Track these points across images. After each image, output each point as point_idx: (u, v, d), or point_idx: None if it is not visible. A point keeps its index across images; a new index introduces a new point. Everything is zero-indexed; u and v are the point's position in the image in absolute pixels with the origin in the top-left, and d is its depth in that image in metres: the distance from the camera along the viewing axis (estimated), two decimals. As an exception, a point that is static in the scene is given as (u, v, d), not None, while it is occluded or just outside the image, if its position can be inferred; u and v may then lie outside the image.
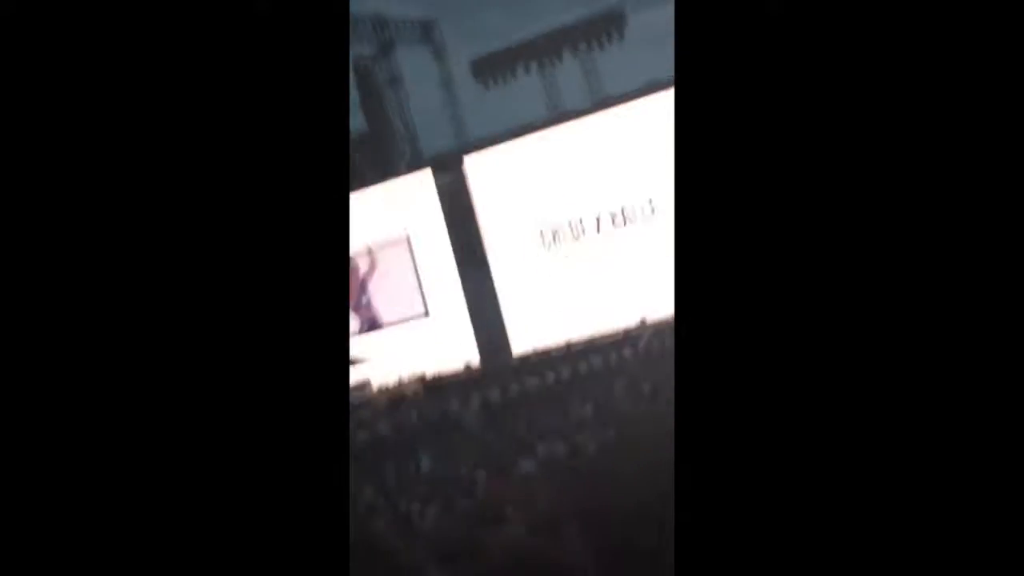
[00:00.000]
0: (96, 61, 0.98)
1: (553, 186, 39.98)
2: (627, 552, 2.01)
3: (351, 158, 51.08)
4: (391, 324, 46.95)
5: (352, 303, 47.94)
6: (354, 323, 48.05)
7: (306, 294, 1.01)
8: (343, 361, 1.00)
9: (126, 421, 0.94)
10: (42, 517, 0.99)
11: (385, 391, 37.39)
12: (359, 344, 45.21)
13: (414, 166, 50.39)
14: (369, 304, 48.11)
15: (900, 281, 1.03)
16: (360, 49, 47.97)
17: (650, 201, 35.19)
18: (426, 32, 43.60)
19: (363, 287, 47.87)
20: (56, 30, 1.01)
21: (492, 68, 39.79)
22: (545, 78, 40.66)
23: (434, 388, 36.07)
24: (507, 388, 29.88)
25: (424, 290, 47.14)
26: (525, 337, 41.12)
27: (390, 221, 47.16)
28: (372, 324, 47.64)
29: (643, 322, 32.07)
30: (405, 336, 45.45)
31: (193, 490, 0.97)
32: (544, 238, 43.11)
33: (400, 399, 34.69)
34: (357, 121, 52.51)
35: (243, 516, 0.98)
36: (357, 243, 47.45)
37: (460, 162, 45.97)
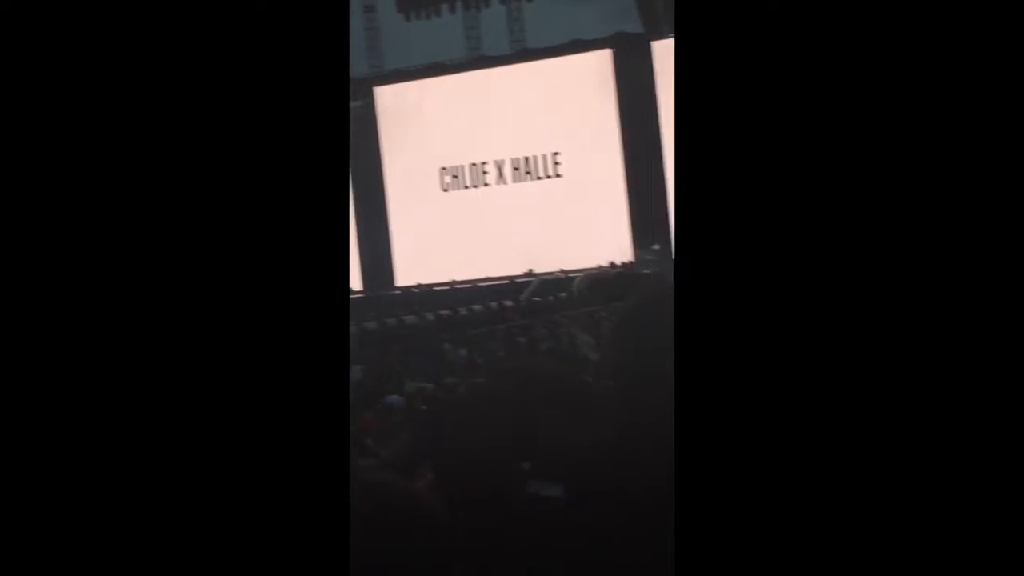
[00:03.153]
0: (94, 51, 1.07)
1: (460, 128, 39.94)
2: (476, 500, 2.23)
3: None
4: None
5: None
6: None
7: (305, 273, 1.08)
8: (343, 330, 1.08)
9: (121, 364, 1.02)
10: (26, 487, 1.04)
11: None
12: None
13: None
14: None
15: (902, 273, 1.18)
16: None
17: (554, 156, 35.46)
18: (356, -47, 42.96)
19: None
20: (54, 29, 1.10)
21: (417, 1, 39.35)
22: (469, 20, 40.38)
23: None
24: (385, 320, 29.94)
25: (317, 211, 46.78)
26: (411, 271, 41.26)
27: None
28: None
29: (529, 273, 32.37)
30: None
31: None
32: (443, 178, 43.13)
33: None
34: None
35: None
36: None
37: (370, 92, 45.61)
